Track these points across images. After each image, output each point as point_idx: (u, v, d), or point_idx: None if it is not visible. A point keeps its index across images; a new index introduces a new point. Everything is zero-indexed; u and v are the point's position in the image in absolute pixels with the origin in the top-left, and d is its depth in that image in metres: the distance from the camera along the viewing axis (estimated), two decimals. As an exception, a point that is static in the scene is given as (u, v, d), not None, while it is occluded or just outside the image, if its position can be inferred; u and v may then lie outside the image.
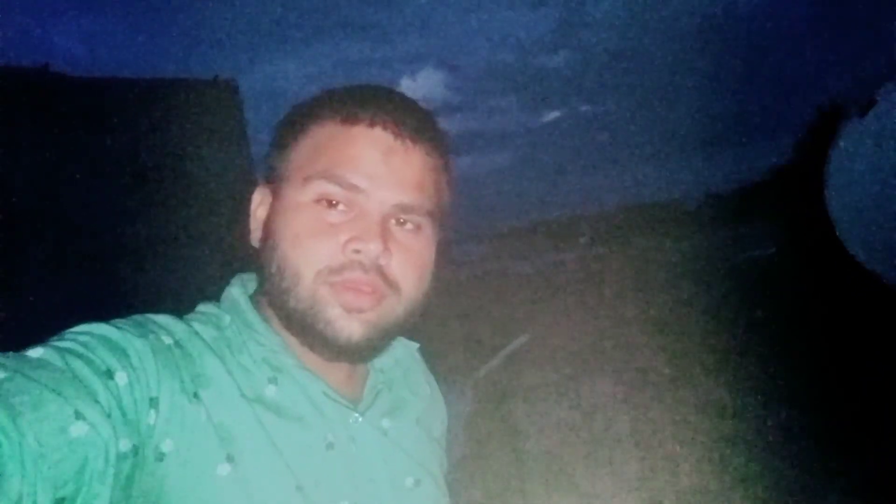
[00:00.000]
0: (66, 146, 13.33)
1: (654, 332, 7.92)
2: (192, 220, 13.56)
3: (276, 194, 0.88)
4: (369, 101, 0.87)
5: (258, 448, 0.76)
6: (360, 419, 0.87)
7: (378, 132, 0.84)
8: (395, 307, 0.85)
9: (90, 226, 12.64)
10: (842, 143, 1.54)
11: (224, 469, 0.74)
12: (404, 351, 1.05)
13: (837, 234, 1.50)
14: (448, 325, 8.25)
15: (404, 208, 0.84)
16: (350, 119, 0.85)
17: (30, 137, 13.06)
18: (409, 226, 0.86)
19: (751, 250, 15.84)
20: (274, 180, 0.89)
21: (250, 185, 0.95)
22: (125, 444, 0.67)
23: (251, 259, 0.90)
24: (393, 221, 0.84)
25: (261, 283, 0.89)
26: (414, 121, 0.86)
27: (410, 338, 1.10)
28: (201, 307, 0.91)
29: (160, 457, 0.71)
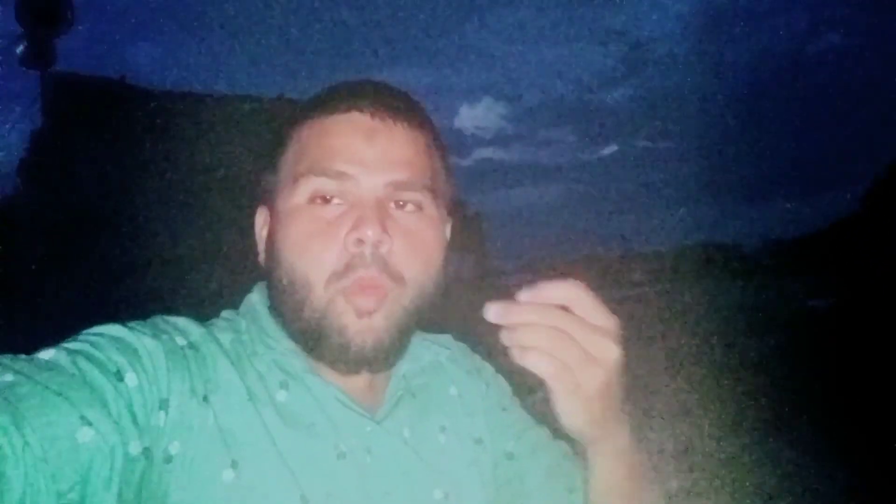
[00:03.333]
0: (138, 157, 13.78)
1: (705, 379, 7.71)
2: (252, 237, 13.85)
3: (272, 208, 0.87)
4: (342, 90, 0.86)
5: (262, 455, 0.75)
6: (377, 428, 0.84)
7: (356, 116, 0.82)
8: (401, 300, 0.81)
9: (153, 233, 13.00)
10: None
11: (228, 475, 0.73)
12: (440, 353, 1.01)
13: None
14: (492, 357, 8.19)
15: (398, 186, 0.82)
16: (326, 111, 0.84)
17: (104, 144, 13.55)
18: (409, 207, 0.83)
19: (810, 300, 15.37)
20: (269, 197, 0.88)
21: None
22: (136, 447, 0.67)
23: (263, 274, 0.89)
24: (392, 205, 0.82)
25: (272, 299, 0.86)
26: (391, 100, 0.85)
27: (456, 336, 1.07)
28: (224, 313, 0.91)
29: (168, 459, 0.71)
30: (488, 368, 1.07)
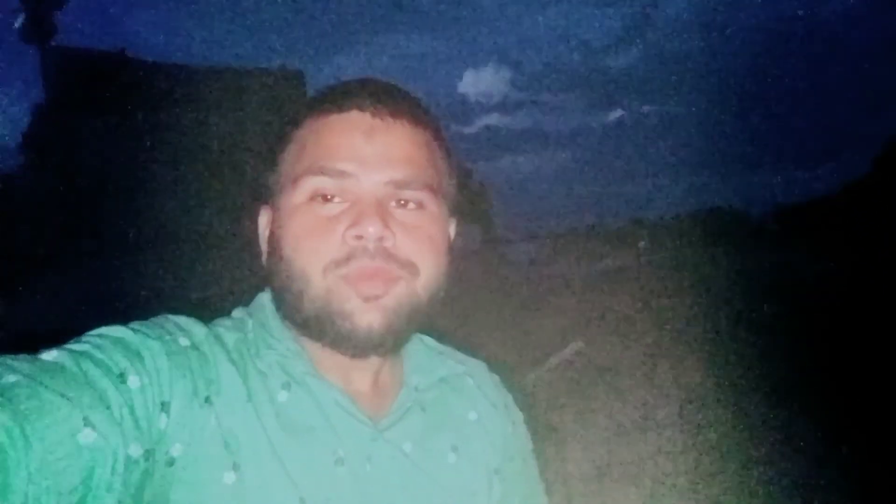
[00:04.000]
0: (137, 129, 13.74)
1: (711, 346, 7.70)
2: (252, 209, 13.87)
3: (274, 207, 0.87)
4: (342, 90, 0.86)
5: (262, 458, 0.75)
6: (379, 437, 0.83)
7: (355, 114, 0.82)
8: (413, 286, 0.82)
9: (156, 210, 13.02)
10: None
11: (230, 477, 0.73)
12: (455, 369, 1.00)
13: None
14: (500, 324, 8.20)
15: (398, 184, 0.81)
16: (326, 110, 0.84)
17: (106, 118, 13.51)
18: (410, 205, 0.83)
19: (818, 265, 15.30)
20: (270, 196, 0.89)
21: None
22: (136, 450, 0.67)
23: (266, 274, 0.89)
24: (393, 203, 0.82)
25: (276, 297, 0.87)
26: (390, 98, 0.85)
27: (474, 354, 1.07)
28: (234, 312, 0.92)
29: (170, 461, 0.71)
30: (518, 411, 1.07)
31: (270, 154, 0.90)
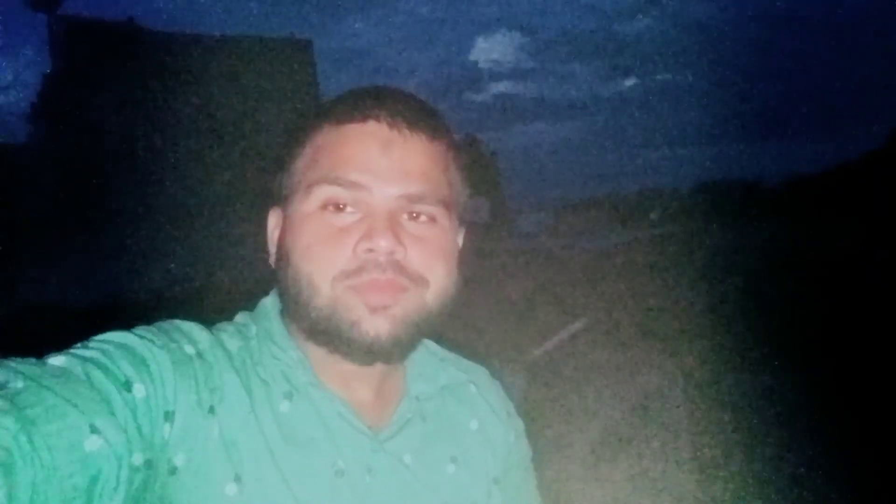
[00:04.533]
0: (146, 99, 13.72)
1: (722, 320, 7.64)
2: (261, 176, 13.89)
3: (285, 211, 0.87)
4: (360, 98, 0.85)
5: (263, 469, 0.75)
6: (379, 448, 0.83)
7: (372, 126, 0.81)
8: (423, 298, 0.82)
9: (164, 176, 13.05)
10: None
11: (231, 489, 0.73)
12: (458, 377, 0.99)
13: None
14: (506, 298, 8.18)
15: (411, 198, 0.81)
16: (344, 119, 0.83)
17: (114, 87, 13.49)
18: (422, 218, 0.83)
19: (833, 238, 15.16)
20: (283, 200, 0.88)
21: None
22: (138, 458, 0.67)
23: (274, 277, 0.89)
24: (405, 217, 0.82)
25: (282, 302, 0.87)
26: (409, 111, 0.83)
27: (479, 361, 1.07)
28: (238, 316, 0.91)
29: (172, 471, 0.72)
30: (519, 420, 1.07)
31: (283, 156, 0.89)
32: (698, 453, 4.28)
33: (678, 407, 5.11)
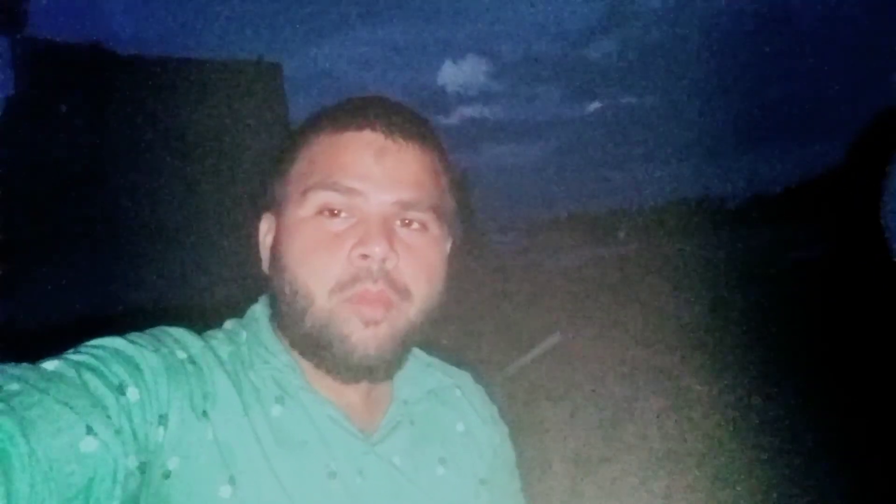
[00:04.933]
0: (114, 122, 13.57)
1: (691, 335, 7.75)
2: (230, 201, 13.79)
3: (279, 217, 0.88)
4: (356, 107, 0.87)
5: (257, 472, 0.76)
6: (370, 450, 0.85)
7: (368, 134, 0.84)
8: (408, 313, 0.83)
9: (133, 199, 12.87)
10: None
11: (226, 491, 0.74)
12: (444, 381, 1.01)
13: (890, 240, 1.42)
14: (479, 316, 8.20)
15: (405, 205, 0.83)
16: (340, 127, 0.85)
17: (80, 111, 13.31)
18: (414, 225, 0.85)
19: (796, 252, 15.46)
20: (276, 206, 0.90)
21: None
22: (133, 462, 0.68)
23: (266, 284, 0.90)
24: (398, 223, 0.84)
25: (274, 308, 0.88)
26: (403, 120, 0.86)
27: (461, 366, 1.09)
28: (227, 323, 0.93)
29: (166, 474, 0.72)
30: (504, 424, 1.09)
31: (276, 163, 0.91)
32: (672, 478, 4.33)
33: (654, 422, 5.17)
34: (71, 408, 0.62)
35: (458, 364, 1.11)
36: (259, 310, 0.92)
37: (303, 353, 0.85)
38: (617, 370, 6.53)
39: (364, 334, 0.80)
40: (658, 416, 5.16)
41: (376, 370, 0.83)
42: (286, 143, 0.92)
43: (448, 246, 0.96)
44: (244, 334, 0.89)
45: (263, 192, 0.94)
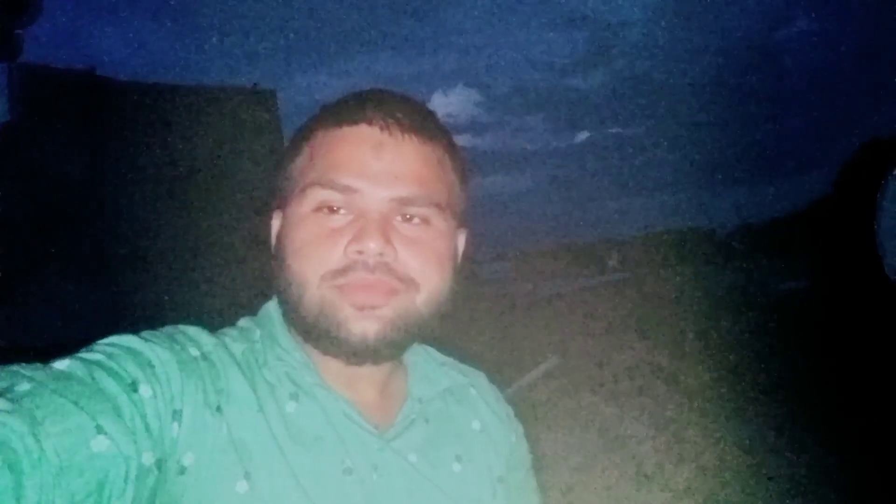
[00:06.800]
0: (109, 148, 13.55)
1: (680, 362, 7.79)
2: (226, 226, 13.74)
3: (284, 213, 0.87)
4: (355, 101, 0.85)
5: (274, 467, 0.75)
6: (385, 446, 0.83)
7: (364, 128, 0.82)
8: (414, 300, 0.81)
9: (127, 226, 12.82)
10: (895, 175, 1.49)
11: (242, 486, 0.73)
12: (458, 380, 1.00)
13: (885, 266, 1.45)
14: (472, 344, 8.19)
15: (403, 201, 0.81)
16: (338, 122, 0.83)
17: (74, 138, 13.30)
18: (415, 220, 0.82)
19: (784, 282, 15.59)
20: (282, 202, 0.88)
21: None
22: (149, 458, 0.67)
23: (272, 278, 0.88)
24: (399, 219, 0.81)
25: (279, 301, 0.87)
26: (402, 113, 0.84)
27: (475, 364, 1.06)
28: (241, 321, 0.91)
29: (181, 470, 0.71)
30: (519, 423, 1.07)
31: (283, 160, 0.90)
32: (672, 497, 4.32)
33: (645, 445, 5.18)
34: (82, 407, 0.61)
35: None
36: (273, 307, 0.90)
37: (309, 341, 0.84)
38: (609, 396, 6.54)
39: (360, 318, 0.79)
40: (649, 441, 5.17)
41: (377, 353, 0.81)
42: (290, 139, 0.89)
43: (461, 239, 0.94)
44: (258, 332, 0.87)
45: (273, 192, 0.90)
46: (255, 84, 16.12)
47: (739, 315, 10.63)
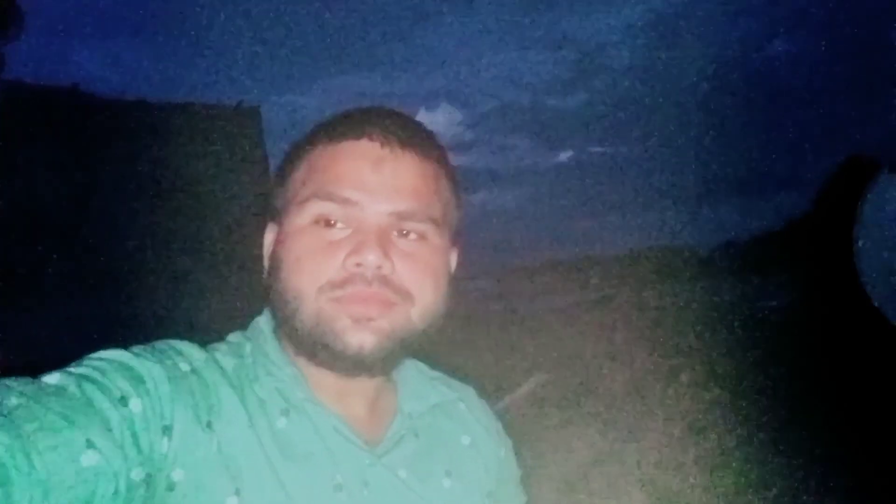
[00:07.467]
0: (92, 166, 13.48)
1: (662, 380, 7.81)
2: (210, 244, 13.66)
3: (280, 226, 0.88)
4: (355, 117, 0.87)
5: (264, 483, 0.75)
6: (376, 462, 0.84)
7: (365, 143, 0.83)
8: (409, 314, 0.83)
9: (110, 246, 12.72)
10: (873, 196, 1.52)
11: (232, 502, 0.73)
12: (448, 395, 1.01)
13: (864, 286, 1.48)
14: (454, 362, 8.15)
15: (401, 216, 0.83)
16: (338, 137, 0.85)
17: (57, 156, 13.21)
18: (412, 236, 0.84)
19: (765, 300, 15.69)
20: (278, 215, 0.89)
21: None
22: (138, 474, 0.67)
23: (265, 291, 0.89)
24: (395, 233, 0.83)
25: (273, 315, 0.88)
26: (401, 130, 0.85)
27: (462, 379, 1.09)
28: (230, 336, 0.91)
29: (171, 486, 0.71)
30: (507, 438, 1.09)
31: (278, 173, 0.92)
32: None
33: (628, 474, 5.18)
34: (72, 422, 0.61)
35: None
36: (263, 322, 0.91)
37: (304, 356, 0.85)
38: (589, 415, 6.54)
39: (357, 330, 0.79)
40: (633, 462, 5.18)
41: (373, 365, 0.82)
42: (287, 153, 0.91)
43: (454, 257, 0.95)
44: (248, 346, 0.88)
45: (267, 205, 0.93)
46: (239, 101, 16.13)
47: (721, 332, 10.68)
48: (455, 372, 1.10)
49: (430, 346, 0.92)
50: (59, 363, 0.73)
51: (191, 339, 0.87)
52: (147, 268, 12.85)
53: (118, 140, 13.69)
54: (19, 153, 12.78)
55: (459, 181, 0.95)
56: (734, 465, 4.97)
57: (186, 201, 13.78)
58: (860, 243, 1.53)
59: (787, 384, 6.76)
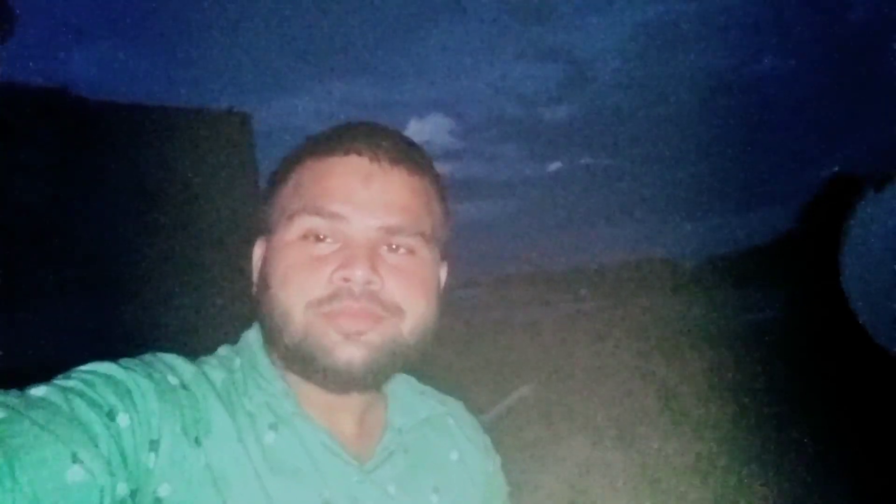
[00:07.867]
0: (80, 168, 13.40)
1: (650, 391, 7.86)
2: (198, 250, 13.61)
3: (268, 241, 0.87)
4: (344, 132, 0.87)
5: (251, 499, 0.75)
6: (364, 478, 0.83)
7: (354, 159, 0.83)
8: (399, 328, 0.82)
9: (98, 250, 12.63)
10: (859, 216, 1.55)
11: None
12: (437, 409, 1.01)
13: (850, 304, 1.50)
14: (441, 373, 8.15)
15: (390, 230, 0.82)
16: (326, 152, 0.85)
17: (45, 158, 13.13)
18: (402, 251, 0.83)
19: (751, 313, 15.81)
20: (267, 230, 0.89)
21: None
22: (123, 489, 0.66)
23: (254, 306, 0.89)
24: (385, 248, 0.83)
25: (262, 330, 0.87)
26: (390, 144, 0.85)
27: (450, 392, 1.08)
28: (220, 349, 0.91)
29: (157, 501, 0.70)
30: (496, 454, 1.08)
31: (267, 188, 0.91)
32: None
33: (616, 485, 5.20)
34: (57, 436, 0.60)
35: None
36: (253, 336, 0.90)
37: (292, 371, 0.84)
38: (577, 426, 6.56)
39: (346, 345, 0.79)
40: (620, 473, 5.20)
41: (363, 380, 0.81)
42: (276, 168, 0.90)
43: (443, 271, 0.94)
44: (238, 360, 0.87)
45: (257, 219, 0.92)
46: (230, 107, 16.11)
47: (706, 345, 10.75)
48: (441, 383, 1.10)
49: (422, 361, 0.91)
50: (45, 369, 0.73)
51: (181, 343, 0.87)
52: (135, 272, 12.75)
53: (107, 143, 13.60)
54: (6, 154, 12.68)
55: (448, 195, 0.95)
56: (721, 475, 4.99)
57: (175, 205, 13.70)
58: (847, 263, 1.56)
59: (771, 396, 6.80)
